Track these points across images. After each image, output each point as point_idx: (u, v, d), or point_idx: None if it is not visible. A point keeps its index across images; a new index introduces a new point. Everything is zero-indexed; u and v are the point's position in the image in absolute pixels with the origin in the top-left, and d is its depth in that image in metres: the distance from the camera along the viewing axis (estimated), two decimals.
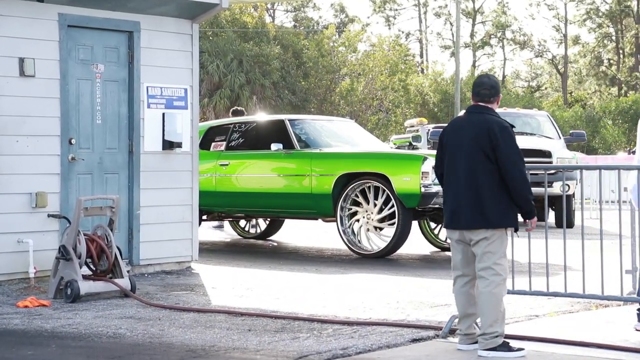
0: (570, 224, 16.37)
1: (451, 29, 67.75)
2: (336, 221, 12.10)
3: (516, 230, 6.35)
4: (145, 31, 10.16)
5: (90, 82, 9.79)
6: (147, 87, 10.20)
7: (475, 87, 6.38)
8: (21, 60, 9.20)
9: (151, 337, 6.73)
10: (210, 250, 13.04)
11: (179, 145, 10.34)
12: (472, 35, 68.34)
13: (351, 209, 12.03)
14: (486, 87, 6.34)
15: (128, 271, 8.90)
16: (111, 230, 8.62)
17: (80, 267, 8.39)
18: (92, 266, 8.61)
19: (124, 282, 8.53)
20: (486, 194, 6.14)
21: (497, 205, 6.15)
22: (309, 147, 12.73)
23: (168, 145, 10.30)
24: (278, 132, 12.92)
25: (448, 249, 12.76)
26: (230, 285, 9.50)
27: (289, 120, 13.13)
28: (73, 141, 9.61)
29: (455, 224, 6.29)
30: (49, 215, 9.28)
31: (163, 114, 10.30)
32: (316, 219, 13.07)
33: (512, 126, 6.32)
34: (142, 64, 10.13)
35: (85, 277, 8.44)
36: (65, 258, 8.37)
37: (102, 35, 9.90)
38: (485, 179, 6.15)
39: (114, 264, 8.56)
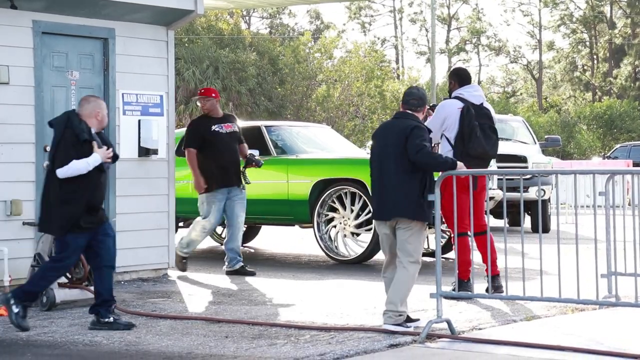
0: (545, 229, 16.44)
1: (427, 35, 68.03)
2: (313, 227, 12.11)
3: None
4: (120, 38, 10.13)
5: (65, 89, 9.75)
6: (123, 94, 10.17)
7: (405, 97, 7.31)
8: None
9: (128, 345, 6.70)
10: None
11: (155, 152, 10.32)
12: (447, 42, 68.62)
13: (328, 214, 12.04)
14: (414, 98, 7.25)
15: None
16: None
17: None
18: (67, 274, 8.56)
19: None
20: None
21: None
22: (285, 153, 12.73)
23: (144, 152, 10.27)
24: (254, 139, 12.89)
25: (425, 255, 12.78)
26: (207, 292, 9.48)
27: (265, 126, 13.12)
28: (48, 148, 9.54)
29: (388, 214, 7.04)
30: (24, 223, 9.22)
31: (139, 121, 10.27)
32: (293, 225, 13.06)
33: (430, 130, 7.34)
34: (117, 70, 10.09)
35: (60, 285, 8.39)
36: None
37: (77, 42, 9.86)
38: (408, 176, 6.98)
39: (90, 272, 8.51)
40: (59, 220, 7.26)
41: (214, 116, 10.85)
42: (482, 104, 8.94)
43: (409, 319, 7.07)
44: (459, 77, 9.06)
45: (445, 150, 8.86)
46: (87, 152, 7.30)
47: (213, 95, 10.92)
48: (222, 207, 10.78)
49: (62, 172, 7.23)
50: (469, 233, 8.16)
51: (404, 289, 6.98)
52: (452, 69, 9.35)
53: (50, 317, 7.87)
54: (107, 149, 7.42)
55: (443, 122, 8.85)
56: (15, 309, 7.24)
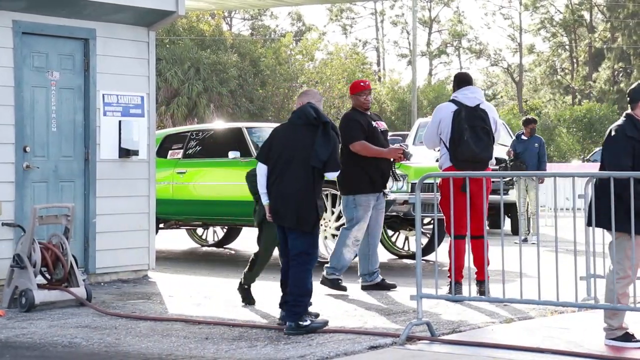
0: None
1: (408, 38, 68.16)
2: None
3: None
4: (101, 38, 10.10)
5: (45, 90, 9.71)
6: (103, 95, 10.14)
7: None
8: None
9: (107, 347, 6.68)
10: (167, 259, 12.98)
11: (136, 153, 10.29)
12: (428, 44, 68.80)
13: None
14: (628, 94, 6.70)
15: (84, 280, 8.83)
16: (67, 238, 8.55)
17: (35, 276, 8.31)
18: (47, 275, 8.53)
19: (80, 291, 8.46)
20: None
21: None
22: None
23: (124, 153, 10.25)
24: (235, 140, 12.90)
25: (405, 257, 12.81)
26: (188, 293, 9.46)
27: (246, 128, 13.11)
28: (28, 149, 9.52)
29: None
30: (3, 224, 9.18)
31: (119, 122, 10.24)
32: None
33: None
34: (98, 71, 10.07)
35: (40, 286, 8.36)
36: (20, 267, 8.28)
37: (57, 42, 9.83)
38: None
39: (70, 273, 8.49)
40: (315, 218, 7.32)
41: (367, 112, 9.43)
42: (478, 105, 8.95)
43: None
44: (457, 80, 9.18)
45: (443, 153, 8.91)
46: None
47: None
48: (370, 213, 9.35)
49: (334, 175, 7.43)
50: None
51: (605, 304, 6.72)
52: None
53: (30, 319, 7.84)
54: None
55: (438, 126, 8.93)
56: (306, 323, 7.14)
